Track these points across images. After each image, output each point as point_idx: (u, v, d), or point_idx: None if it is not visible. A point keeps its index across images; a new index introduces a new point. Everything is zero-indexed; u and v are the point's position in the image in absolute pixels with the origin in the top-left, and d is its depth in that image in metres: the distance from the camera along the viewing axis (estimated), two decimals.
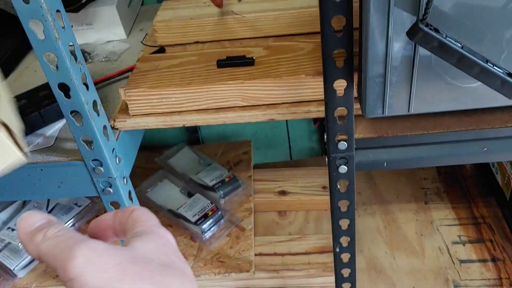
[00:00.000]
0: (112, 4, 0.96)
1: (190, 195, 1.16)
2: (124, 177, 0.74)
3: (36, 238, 0.28)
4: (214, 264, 1.02)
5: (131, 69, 0.83)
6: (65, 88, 0.62)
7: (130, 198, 0.77)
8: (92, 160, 0.70)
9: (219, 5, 0.83)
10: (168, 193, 1.19)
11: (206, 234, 1.08)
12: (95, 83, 0.85)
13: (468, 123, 0.68)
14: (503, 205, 1.12)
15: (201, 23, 0.86)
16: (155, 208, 1.16)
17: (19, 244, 1.05)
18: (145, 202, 1.19)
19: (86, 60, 0.95)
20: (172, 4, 0.93)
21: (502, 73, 0.47)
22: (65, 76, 0.60)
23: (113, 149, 0.70)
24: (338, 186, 0.74)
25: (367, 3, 0.51)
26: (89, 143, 0.68)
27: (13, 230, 1.08)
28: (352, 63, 0.61)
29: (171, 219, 1.13)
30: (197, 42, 0.88)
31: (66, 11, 0.94)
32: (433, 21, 0.48)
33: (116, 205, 0.76)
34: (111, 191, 0.73)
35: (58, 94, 0.62)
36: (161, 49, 0.84)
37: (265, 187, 1.23)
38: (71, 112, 0.64)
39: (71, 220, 1.12)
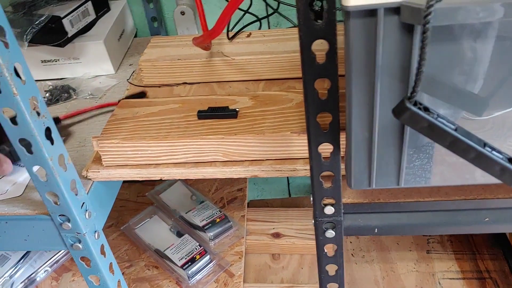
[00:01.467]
0: (99, 39, 0.92)
1: (179, 234, 1.11)
2: (95, 232, 0.69)
3: None
4: None
5: (109, 105, 0.79)
6: (27, 143, 0.57)
7: (103, 253, 0.72)
8: (59, 216, 0.65)
9: (207, 49, 0.78)
10: (157, 231, 1.14)
11: (192, 279, 1.02)
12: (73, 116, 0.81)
13: (469, 192, 0.62)
14: (511, 259, 1.04)
15: (189, 64, 0.82)
16: (143, 247, 1.11)
17: None
18: (133, 239, 1.14)
19: (70, 96, 0.90)
20: (160, 41, 0.88)
21: (502, 158, 0.41)
22: (25, 131, 0.55)
23: (83, 203, 0.65)
24: (325, 250, 0.68)
25: (349, 67, 0.45)
26: (55, 197, 0.63)
27: None
28: (338, 126, 0.55)
29: (158, 260, 1.08)
30: (185, 83, 0.84)
31: (52, 45, 0.91)
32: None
33: (87, 260, 0.71)
34: (80, 246, 0.68)
35: (20, 149, 0.57)
36: (141, 94, 0.79)
37: (258, 228, 1.18)
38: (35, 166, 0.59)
39: (50, 260, 1.07)
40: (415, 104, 0.40)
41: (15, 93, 0.52)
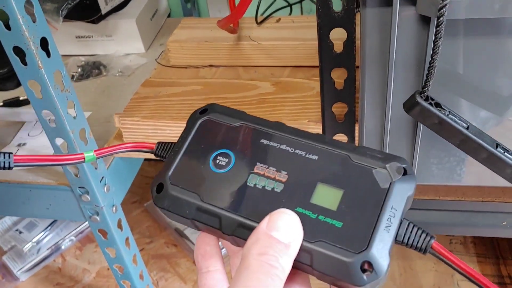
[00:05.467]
0: (132, 17, 0.93)
1: None
2: (113, 206, 0.71)
3: None
4: None
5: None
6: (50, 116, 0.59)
7: (120, 227, 0.74)
8: (79, 188, 0.67)
9: (233, 32, 0.78)
10: None
11: None
12: None
13: (487, 193, 0.60)
14: None
15: (216, 47, 0.82)
16: (163, 224, 1.14)
17: (24, 248, 1.06)
18: (155, 216, 1.16)
19: (100, 72, 0.93)
20: (191, 23, 0.89)
21: None
22: (49, 104, 0.57)
23: (102, 177, 0.67)
24: None
25: (363, 57, 0.45)
26: (76, 169, 0.65)
27: (20, 232, 1.08)
28: (353, 117, 0.55)
29: (177, 238, 1.10)
30: (211, 66, 0.84)
31: (86, 21, 0.93)
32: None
33: (104, 232, 0.73)
34: (98, 219, 0.70)
35: (43, 121, 0.60)
36: None
37: None
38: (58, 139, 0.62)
39: (75, 230, 1.11)
40: (426, 99, 0.39)
41: (40, 66, 0.54)
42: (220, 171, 0.30)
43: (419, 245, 0.27)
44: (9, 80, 0.92)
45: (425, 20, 0.39)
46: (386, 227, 0.26)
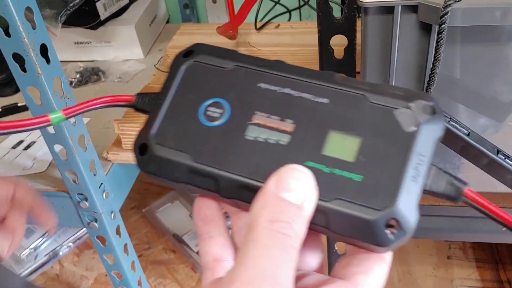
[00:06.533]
0: (131, 23, 0.93)
1: None
2: (111, 212, 0.71)
3: None
4: None
5: None
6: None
7: (118, 233, 0.74)
8: (78, 194, 0.67)
9: (232, 38, 0.78)
10: (177, 216, 1.16)
11: None
12: None
13: (488, 199, 0.60)
14: None
15: None
16: (162, 230, 1.13)
17: (21, 254, 1.05)
18: (153, 222, 1.16)
19: (99, 78, 0.93)
20: (190, 28, 0.89)
21: None
22: (48, 111, 0.57)
23: (101, 184, 0.67)
24: (336, 248, 0.68)
25: (364, 63, 0.45)
26: (74, 176, 0.65)
27: None
28: None
29: (175, 244, 1.09)
30: None
31: (85, 28, 0.93)
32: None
33: (102, 239, 0.73)
34: (97, 225, 0.70)
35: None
36: None
37: None
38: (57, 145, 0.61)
39: (73, 236, 1.10)
40: None
41: (39, 73, 0.54)
42: (212, 125, 0.26)
43: (449, 193, 0.24)
44: (7, 86, 0.92)
45: (426, 27, 0.39)
46: (413, 176, 0.23)
